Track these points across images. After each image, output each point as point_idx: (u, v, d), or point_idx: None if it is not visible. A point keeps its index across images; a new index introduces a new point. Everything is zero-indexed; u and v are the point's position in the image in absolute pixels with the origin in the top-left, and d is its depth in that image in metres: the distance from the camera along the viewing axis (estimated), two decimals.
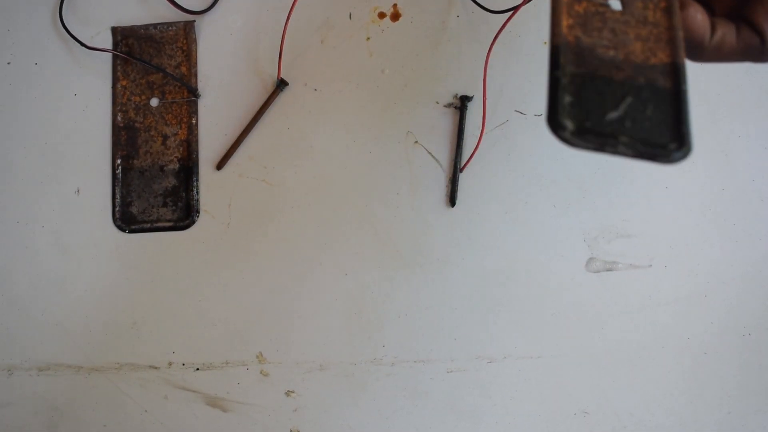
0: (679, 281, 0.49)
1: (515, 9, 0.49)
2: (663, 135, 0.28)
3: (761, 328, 0.49)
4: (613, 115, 0.29)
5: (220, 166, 0.51)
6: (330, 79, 0.52)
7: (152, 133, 0.52)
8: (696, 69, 0.50)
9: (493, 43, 0.49)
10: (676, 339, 0.49)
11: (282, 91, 0.52)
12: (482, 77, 0.50)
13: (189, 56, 0.53)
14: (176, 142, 0.52)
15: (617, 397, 0.49)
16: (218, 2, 0.53)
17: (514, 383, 0.49)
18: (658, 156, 0.28)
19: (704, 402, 0.48)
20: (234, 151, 0.52)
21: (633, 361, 0.49)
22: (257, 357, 0.50)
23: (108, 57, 0.53)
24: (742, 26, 0.31)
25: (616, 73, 0.30)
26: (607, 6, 0.31)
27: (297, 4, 0.51)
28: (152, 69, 0.53)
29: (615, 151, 0.28)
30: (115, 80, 0.53)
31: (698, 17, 0.31)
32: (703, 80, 0.50)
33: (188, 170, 0.52)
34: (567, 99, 0.29)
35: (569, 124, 0.28)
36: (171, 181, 0.52)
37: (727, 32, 0.31)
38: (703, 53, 0.32)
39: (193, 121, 0.52)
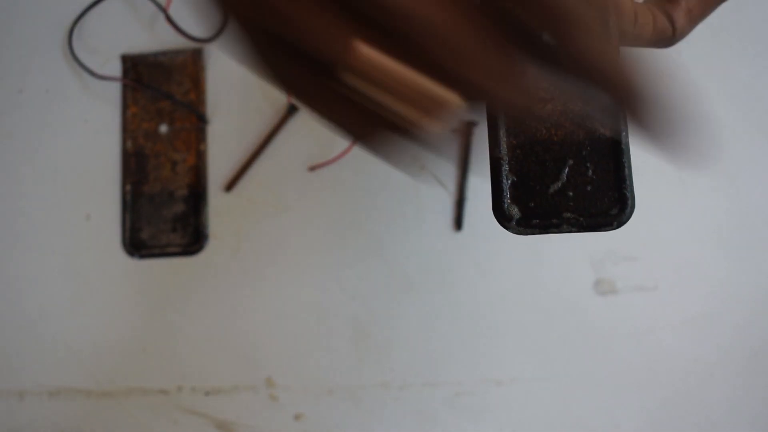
0: (685, 303, 0.49)
1: None
2: (604, 200, 0.28)
3: None
4: (555, 186, 0.28)
5: (229, 188, 0.52)
6: None
7: (161, 159, 0.53)
8: (699, 90, 0.51)
9: None
10: (682, 361, 0.49)
11: (292, 116, 0.52)
12: None
13: (197, 83, 0.53)
14: (185, 168, 0.53)
15: (624, 420, 0.49)
16: (225, 30, 0.54)
17: (521, 406, 0.49)
18: (601, 226, 0.28)
19: (711, 424, 0.49)
20: (242, 175, 0.52)
21: (640, 384, 0.49)
22: (266, 381, 0.51)
23: (118, 84, 0.54)
24: (658, 16, 0.31)
25: (555, 132, 0.28)
26: None
27: None
28: (161, 96, 0.53)
29: (559, 231, 0.28)
30: (124, 107, 0.54)
31: (627, 5, 0.30)
32: (706, 102, 0.51)
33: (197, 196, 0.52)
34: (510, 180, 0.28)
35: (515, 212, 0.28)
36: (180, 207, 0.52)
37: (646, 22, 0.31)
38: (623, 40, 0.31)
39: (202, 147, 0.53)
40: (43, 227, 0.53)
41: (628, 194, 0.28)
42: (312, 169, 0.52)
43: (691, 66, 0.51)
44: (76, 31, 0.55)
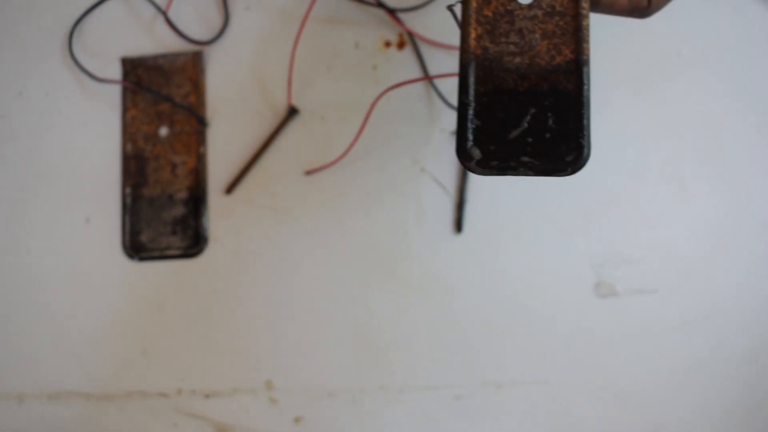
0: (685, 306, 0.49)
1: None
2: (562, 147, 0.30)
3: None
4: (515, 132, 0.30)
5: (229, 191, 0.52)
6: (336, 108, 0.53)
7: (161, 162, 0.53)
8: (701, 93, 0.51)
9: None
10: (682, 365, 0.49)
11: (293, 118, 0.52)
12: None
13: (197, 86, 0.53)
14: (185, 171, 0.53)
15: (625, 422, 0.49)
16: (225, 33, 0.54)
17: (521, 409, 0.49)
18: (556, 171, 0.30)
19: (711, 426, 0.48)
20: (242, 178, 0.52)
21: (639, 387, 0.49)
22: (266, 384, 0.51)
23: (118, 87, 0.54)
24: None
25: (521, 83, 0.31)
26: (516, 0, 0.32)
27: (303, 33, 0.52)
28: (161, 99, 0.53)
29: (516, 173, 0.30)
30: (124, 110, 0.54)
31: None
32: (707, 105, 0.51)
33: (197, 199, 0.52)
34: (474, 124, 0.30)
35: (476, 154, 0.30)
36: (180, 210, 0.52)
37: None
38: (596, 7, 0.33)
39: (202, 150, 0.53)
40: (42, 230, 0.53)
41: (585, 143, 0.30)
42: (309, 173, 0.52)
43: (691, 66, 0.51)
44: (75, 34, 0.55)
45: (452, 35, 0.53)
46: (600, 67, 0.51)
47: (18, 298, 0.53)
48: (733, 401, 0.48)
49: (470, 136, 0.30)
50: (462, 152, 0.30)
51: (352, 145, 0.50)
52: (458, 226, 0.51)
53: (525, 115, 0.30)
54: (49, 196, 0.53)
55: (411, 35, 0.52)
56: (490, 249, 0.50)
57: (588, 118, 0.30)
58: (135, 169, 0.53)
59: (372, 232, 0.51)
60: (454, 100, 0.51)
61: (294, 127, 0.53)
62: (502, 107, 0.31)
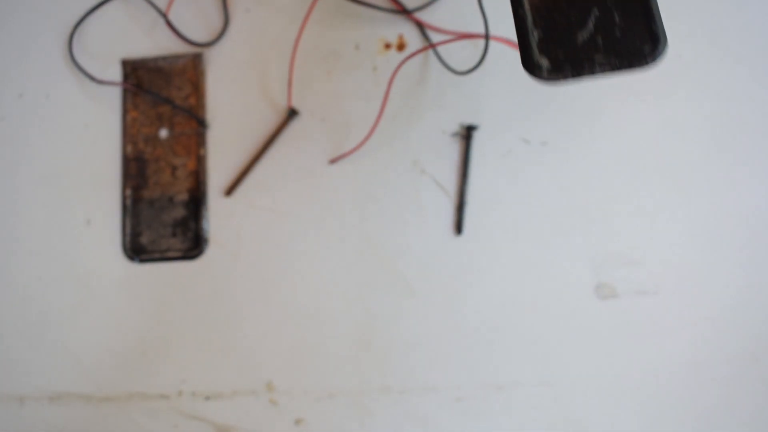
0: (687, 307, 0.49)
1: None
2: (635, 40, 0.28)
3: None
4: (583, 35, 0.29)
5: (229, 192, 0.52)
6: (336, 110, 0.53)
7: (161, 164, 0.53)
8: (701, 94, 0.51)
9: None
10: (683, 366, 0.49)
11: (292, 120, 0.52)
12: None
13: (197, 88, 0.53)
14: (185, 173, 0.53)
15: (625, 424, 0.49)
16: (225, 35, 0.54)
17: (522, 411, 0.49)
18: (634, 64, 0.28)
19: (712, 428, 0.48)
20: (242, 179, 0.52)
21: (641, 389, 0.49)
22: (266, 386, 0.51)
23: (118, 89, 0.54)
24: None
25: None
26: None
27: (303, 35, 0.52)
28: (161, 101, 0.53)
29: (592, 73, 0.29)
30: (124, 112, 0.54)
31: None
32: (707, 106, 0.51)
33: (197, 201, 0.52)
34: (536, 35, 0.29)
35: (544, 62, 0.29)
36: (180, 212, 0.52)
37: None
38: None
39: (202, 152, 0.53)
40: (43, 232, 0.53)
41: (659, 31, 0.28)
42: (333, 161, 0.51)
43: (691, 68, 0.51)
44: (76, 36, 0.55)
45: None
46: None
47: (19, 300, 0.53)
48: (734, 402, 0.48)
49: (534, 48, 0.29)
50: (529, 64, 0.29)
51: (373, 129, 0.50)
52: (458, 227, 0.50)
53: (589, 17, 0.29)
54: (49, 198, 0.54)
55: (421, 25, 0.52)
56: (490, 251, 0.50)
57: (657, 6, 0.28)
58: (135, 171, 0.53)
59: (372, 233, 0.51)
60: (452, 104, 0.52)
61: (294, 129, 0.53)
62: (561, 13, 0.29)
